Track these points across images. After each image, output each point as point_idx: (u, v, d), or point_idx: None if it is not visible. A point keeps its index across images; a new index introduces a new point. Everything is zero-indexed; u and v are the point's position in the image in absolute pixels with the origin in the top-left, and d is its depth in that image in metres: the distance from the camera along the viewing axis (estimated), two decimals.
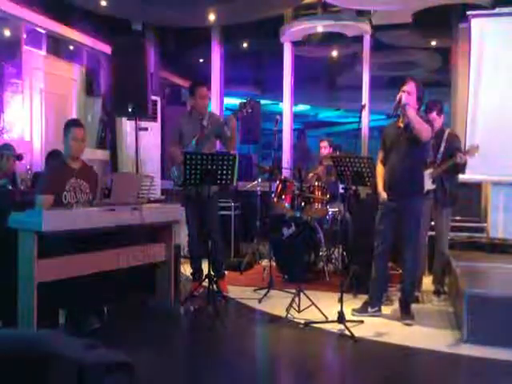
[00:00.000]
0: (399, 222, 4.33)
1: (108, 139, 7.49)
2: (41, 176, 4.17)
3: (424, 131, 4.16)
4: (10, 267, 3.49)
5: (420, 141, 4.20)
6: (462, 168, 4.95)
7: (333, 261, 6.07)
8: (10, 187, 4.97)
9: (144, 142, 6.44)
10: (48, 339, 1.18)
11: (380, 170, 4.46)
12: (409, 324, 4.21)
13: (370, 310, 4.48)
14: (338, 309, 4.03)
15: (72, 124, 4.19)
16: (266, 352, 3.95)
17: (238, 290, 5.24)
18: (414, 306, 4.46)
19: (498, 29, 6.25)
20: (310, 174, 6.00)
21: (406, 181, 4.28)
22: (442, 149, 4.95)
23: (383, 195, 4.36)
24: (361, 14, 7.16)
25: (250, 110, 4.83)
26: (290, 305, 4.37)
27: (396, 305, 4.57)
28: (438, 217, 5.05)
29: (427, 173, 4.92)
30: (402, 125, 4.32)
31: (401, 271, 4.71)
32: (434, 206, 4.99)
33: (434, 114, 4.95)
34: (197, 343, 3.96)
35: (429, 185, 4.91)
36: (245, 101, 4.80)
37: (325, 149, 6.33)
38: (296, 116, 8.92)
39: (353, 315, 4.41)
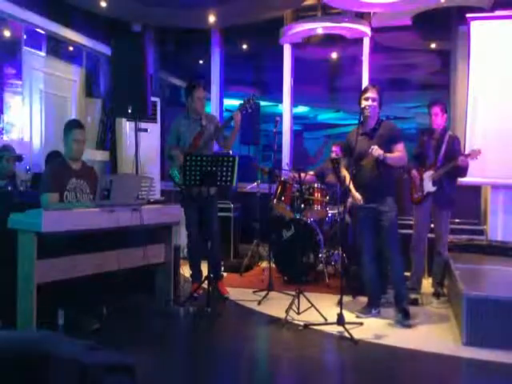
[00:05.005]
0: (377, 223, 4.35)
1: (108, 140, 7.48)
2: (43, 175, 4.18)
3: (402, 163, 4.39)
4: (9, 268, 3.49)
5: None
6: (463, 171, 4.95)
7: (332, 263, 6.07)
8: (10, 188, 4.96)
9: (144, 142, 6.44)
10: (48, 340, 1.17)
11: (347, 174, 4.42)
12: (409, 325, 4.20)
13: (373, 311, 4.51)
14: (338, 311, 4.03)
15: (73, 125, 4.18)
16: (266, 354, 3.95)
17: (237, 292, 5.24)
18: (413, 308, 4.46)
19: (497, 31, 6.26)
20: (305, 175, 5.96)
21: (380, 186, 4.31)
22: (442, 151, 4.96)
23: (359, 197, 4.35)
24: (360, 16, 7.17)
25: (253, 105, 4.86)
26: (290, 306, 4.37)
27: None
28: (437, 219, 5.05)
29: (428, 175, 4.94)
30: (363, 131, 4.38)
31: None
32: (433, 208, 5.01)
33: (437, 109, 4.97)
34: (196, 344, 3.95)
35: (429, 187, 4.92)
36: (248, 97, 4.82)
37: (335, 153, 6.30)
38: (296, 118, 8.92)
39: (357, 317, 4.42)
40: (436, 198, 4.97)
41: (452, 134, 5.20)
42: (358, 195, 4.36)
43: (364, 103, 4.30)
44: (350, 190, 4.39)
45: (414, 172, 5.05)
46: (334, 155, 6.25)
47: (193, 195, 4.86)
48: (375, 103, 4.29)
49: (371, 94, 4.29)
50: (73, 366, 1.11)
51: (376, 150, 4.17)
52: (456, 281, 4.29)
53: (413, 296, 4.84)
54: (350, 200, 4.74)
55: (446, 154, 4.96)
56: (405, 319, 4.27)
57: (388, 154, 4.21)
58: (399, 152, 4.27)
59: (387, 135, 4.30)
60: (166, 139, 6.98)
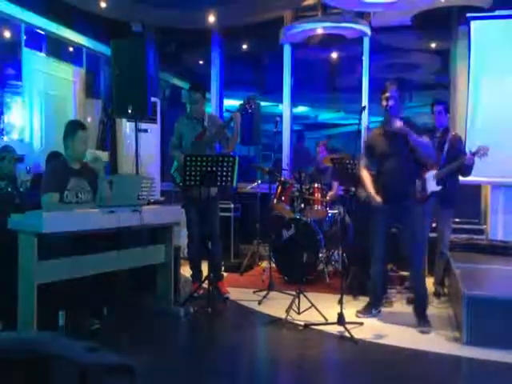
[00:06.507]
0: (401, 225, 4.30)
1: (108, 141, 7.49)
2: (43, 176, 4.18)
3: (431, 157, 4.25)
4: (10, 269, 3.49)
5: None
6: (468, 170, 4.91)
7: (332, 262, 6.07)
8: (10, 189, 4.96)
9: (144, 143, 6.44)
10: (49, 341, 1.18)
11: (366, 175, 4.37)
12: (425, 332, 4.09)
13: (373, 311, 4.48)
14: (338, 310, 4.03)
15: (79, 127, 4.15)
16: (266, 354, 3.95)
17: (237, 292, 5.24)
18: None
19: (497, 31, 6.26)
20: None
21: (408, 184, 4.25)
22: (445, 150, 4.94)
23: (378, 199, 4.27)
24: (361, 16, 7.17)
25: (253, 106, 4.86)
26: (290, 306, 4.37)
27: (396, 306, 4.57)
28: (439, 218, 5.04)
29: (431, 174, 4.91)
30: (387, 129, 4.30)
31: (401, 273, 4.70)
32: (436, 207, 4.98)
33: (440, 108, 4.97)
34: (196, 344, 3.96)
35: (433, 186, 4.89)
36: (248, 98, 4.82)
37: (322, 153, 6.31)
38: (296, 118, 8.92)
39: (357, 317, 4.41)
40: (439, 198, 4.95)
41: (454, 133, 5.20)
42: (377, 197, 4.25)
43: (384, 103, 4.20)
44: (368, 190, 4.31)
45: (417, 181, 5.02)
46: (320, 156, 6.26)
47: (193, 196, 4.87)
48: (395, 102, 4.18)
49: (390, 92, 4.18)
50: (72, 367, 1.11)
51: (399, 123, 4.09)
52: (456, 280, 4.29)
53: (413, 295, 4.83)
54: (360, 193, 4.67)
55: (449, 154, 4.94)
56: (422, 323, 4.17)
57: (414, 134, 4.10)
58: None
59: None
60: (166, 139, 7.01)
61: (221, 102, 8.22)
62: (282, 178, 6.03)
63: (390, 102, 4.17)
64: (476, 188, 6.51)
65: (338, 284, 4.80)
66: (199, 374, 3.36)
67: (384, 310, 4.61)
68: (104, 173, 4.17)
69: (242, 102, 4.88)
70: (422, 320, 4.21)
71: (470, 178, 5.18)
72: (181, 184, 4.90)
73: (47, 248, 3.49)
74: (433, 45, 8.07)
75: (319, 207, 5.77)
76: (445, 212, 5.00)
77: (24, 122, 6.13)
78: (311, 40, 7.46)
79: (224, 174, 4.47)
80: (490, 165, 5.57)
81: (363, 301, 4.66)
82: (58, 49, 6.93)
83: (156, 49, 8.30)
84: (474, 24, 6.32)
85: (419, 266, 4.30)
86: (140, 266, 4.26)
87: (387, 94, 4.19)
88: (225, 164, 4.45)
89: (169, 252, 4.53)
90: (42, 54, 6.55)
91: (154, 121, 7.05)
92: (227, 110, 8.50)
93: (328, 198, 5.81)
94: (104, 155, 7.33)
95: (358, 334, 3.92)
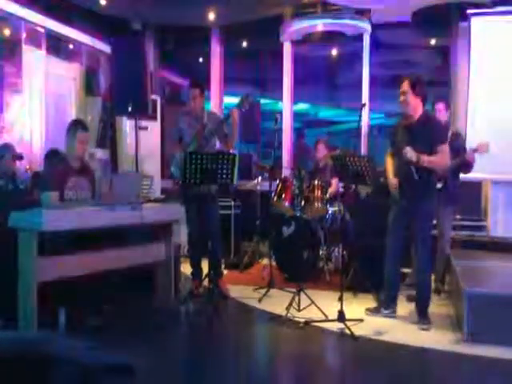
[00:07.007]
0: (410, 222, 4.30)
1: (108, 138, 7.48)
2: (43, 174, 4.18)
3: (441, 168, 4.23)
4: (10, 266, 3.49)
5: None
6: (468, 167, 4.90)
7: (332, 260, 6.07)
8: (10, 186, 4.96)
9: (144, 140, 6.44)
10: (48, 341, 1.18)
11: (389, 161, 4.41)
12: (425, 329, 4.09)
13: (383, 311, 4.42)
14: (338, 307, 4.03)
15: (80, 127, 4.17)
16: (266, 351, 3.96)
17: (237, 289, 5.24)
18: (414, 305, 4.45)
19: (497, 27, 6.25)
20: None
21: (420, 182, 4.17)
22: None
23: (394, 181, 4.27)
24: (360, 13, 7.16)
25: (251, 102, 4.87)
26: (290, 304, 4.37)
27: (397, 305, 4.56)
28: (440, 215, 5.03)
29: None
30: (411, 120, 4.25)
31: (405, 270, 4.68)
32: (437, 205, 4.97)
33: (441, 106, 4.96)
34: (197, 342, 3.96)
35: None
36: (245, 94, 4.83)
37: (321, 151, 6.29)
38: (297, 115, 8.92)
39: (366, 315, 4.39)
40: (440, 195, 4.93)
41: (455, 130, 5.19)
42: (394, 180, 4.26)
43: (400, 98, 4.20)
44: (387, 176, 4.35)
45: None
46: (322, 154, 6.24)
47: (193, 193, 4.86)
48: (407, 96, 4.14)
49: (401, 87, 4.17)
50: (72, 366, 1.11)
51: (409, 152, 4.02)
52: (457, 277, 4.29)
53: (414, 292, 4.83)
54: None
55: (450, 151, 4.93)
56: (422, 321, 4.16)
57: (425, 158, 4.03)
58: (441, 154, 4.09)
59: (430, 134, 4.13)
60: (166, 137, 7.02)
61: (221, 100, 8.21)
62: (283, 176, 6.02)
63: (402, 97, 4.19)
64: (476, 184, 6.50)
65: (338, 281, 4.80)
66: (199, 371, 3.36)
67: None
68: (102, 171, 4.17)
69: (240, 98, 4.89)
70: (422, 317, 4.21)
71: (470, 175, 5.17)
72: (181, 181, 4.90)
73: (47, 246, 3.49)
74: (433, 41, 8.06)
75: (319, 204, 5.76)
76: (446, 209, 4.99)
77: (24, 120, 6.13)
78: (311, 37, 7.45)
79: (224, 171, 4.47)
80: (490, 161, 5.58)
81: (363, 298, 4.67)
82: (57, 46, 6.92)
83: (156, 46, 8.30)
84: (474, 20, 6.31)
85: (425, 265, 4.26)
86: (140, 264, 4.26)
87: (400, 89, 4.21)
88: (225, 161, 4.44)
89: (169, 250, 4.53)
90: (42, 52, 6.54)
91: (153, 118, 7.05)
92: (227, 108, 8.50)
93: (328, 195, 5.81)
94: (104, 153, 7.34)
95: (358, 330, 3.92)
